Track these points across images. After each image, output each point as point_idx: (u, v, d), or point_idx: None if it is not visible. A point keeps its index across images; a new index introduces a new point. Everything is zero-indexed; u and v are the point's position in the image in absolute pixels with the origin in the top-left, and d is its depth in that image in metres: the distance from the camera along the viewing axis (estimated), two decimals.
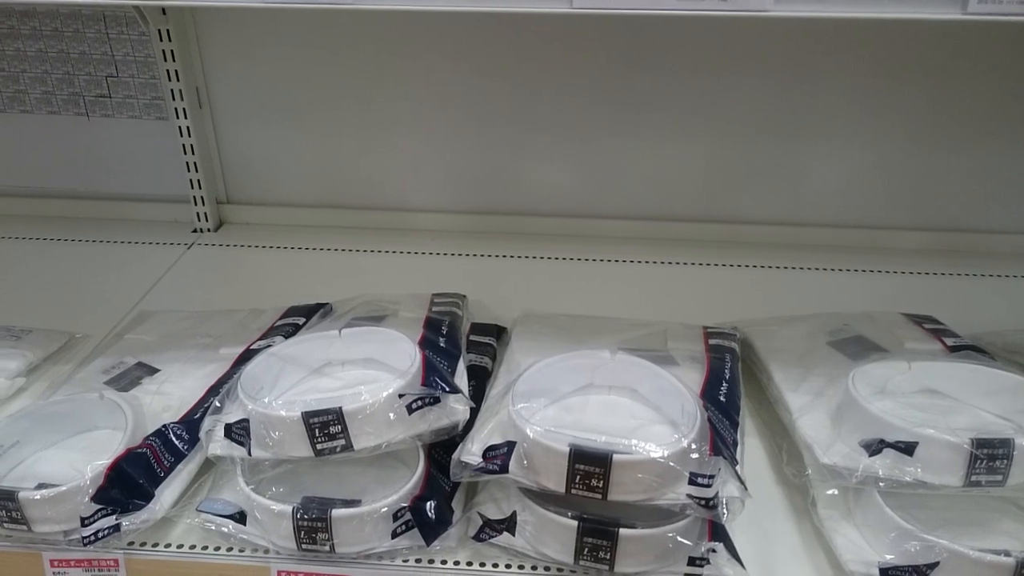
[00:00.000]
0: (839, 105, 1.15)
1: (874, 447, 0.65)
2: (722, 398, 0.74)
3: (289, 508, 0.65)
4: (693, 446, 0.62)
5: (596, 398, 0.76)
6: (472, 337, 0.92)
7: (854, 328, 0.91)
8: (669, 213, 1.25)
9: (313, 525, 0.65)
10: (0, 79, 1.24)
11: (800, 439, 0.73)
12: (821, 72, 1.13)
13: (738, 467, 0.65)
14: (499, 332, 0.97)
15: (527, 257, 1.20)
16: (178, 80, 1.18)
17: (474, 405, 0.71)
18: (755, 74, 1.14)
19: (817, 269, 1.17)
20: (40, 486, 0.70)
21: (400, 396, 0.67)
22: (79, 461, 0.74)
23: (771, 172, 1.21)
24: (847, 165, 1.20)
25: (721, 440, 0.65)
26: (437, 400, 0.68)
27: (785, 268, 1.18)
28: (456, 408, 0.69)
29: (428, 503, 0.66)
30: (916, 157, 1.18)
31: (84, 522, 0.66)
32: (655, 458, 0.60)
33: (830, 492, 0.68)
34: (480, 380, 0.83)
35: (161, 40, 1.14)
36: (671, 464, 0.61)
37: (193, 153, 1.23)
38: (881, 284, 1.14)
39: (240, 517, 0.67)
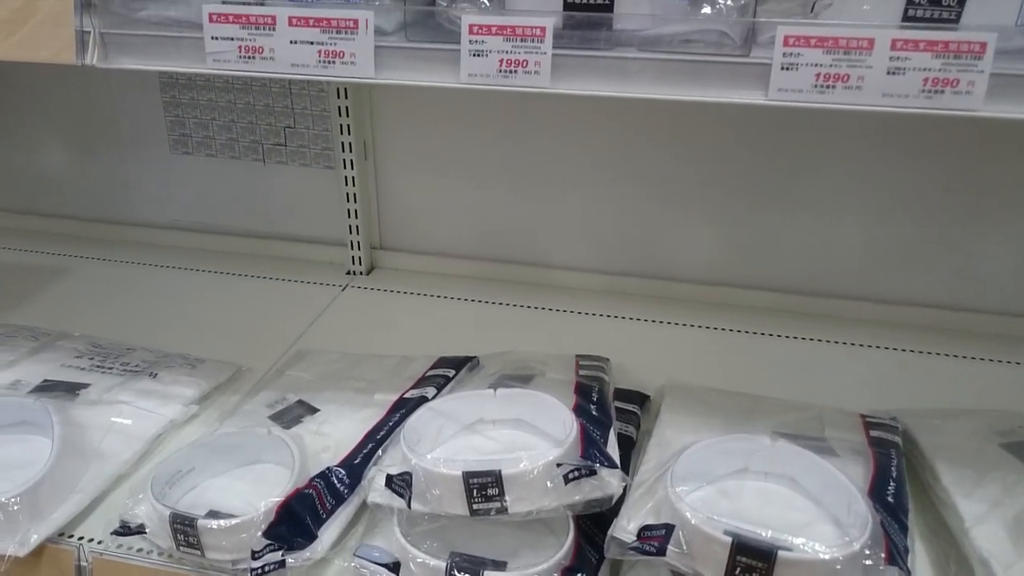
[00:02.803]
0: (1014, 187, 1.09)
1: None
2: (890, 499, 0.70)
3: (443, 564, 0.66)
4: (867, 551, 0.59)
5: (752, 484, 0.74)
6: (616, 403, 0.92)
7: None
8: (822, 288, 1.20)
9: None
10: (193, 125, 1.36)
11: (974, 552, 0.68)
12: (995, 153, 1.08)
13: None
14: (642, 400, 0.96)
15: (670, 323, 1.19)
16: (349, 133, 1.26)
17: (629, 481, 0.71)
18: (923, 155, 1.10)
19: (983, 359, 1.10)
20: (210, 513, 0.76)
21: (558, 465, 0.68)
22: (247, 493, 0.80)
23: (936, 253, 1.15)
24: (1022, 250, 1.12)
25: (894, 546, 0.62)
26: (594, 472, 0.68)
27: (946, 355, 1.11)
28: (611, 482, 0.69)
29: (578, 575, 0.66)
30: None
31: (254, 555, 0.69)
32: (824, 559, 0.58)
33: None
34: (625, 450, 0.82)
35: (339, 97, 1.23)
36: (840, 567, 0.58)
37: (355, 201, 1.30)
38: None
39: (394, 567, 0.69)
